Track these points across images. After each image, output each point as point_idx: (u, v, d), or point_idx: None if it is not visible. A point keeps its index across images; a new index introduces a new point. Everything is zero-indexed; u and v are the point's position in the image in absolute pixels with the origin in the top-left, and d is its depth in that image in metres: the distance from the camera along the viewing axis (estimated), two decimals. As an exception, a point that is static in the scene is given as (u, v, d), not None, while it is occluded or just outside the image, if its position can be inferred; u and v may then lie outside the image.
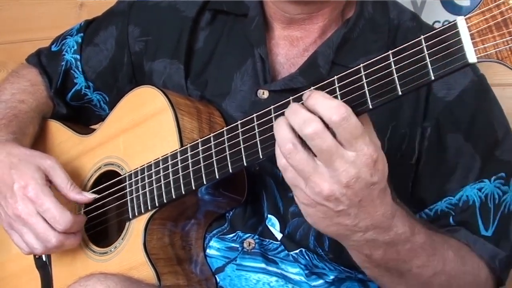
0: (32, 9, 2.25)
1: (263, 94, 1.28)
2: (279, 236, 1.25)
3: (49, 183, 1.28)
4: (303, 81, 1.26)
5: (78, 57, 1.51)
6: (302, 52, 1.30)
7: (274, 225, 1.25)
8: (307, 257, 1.25)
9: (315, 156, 0.93)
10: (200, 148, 1.16)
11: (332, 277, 1.26)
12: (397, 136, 1.24)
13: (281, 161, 0.96)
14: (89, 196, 1.29)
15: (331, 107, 0.91)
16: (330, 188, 0.93)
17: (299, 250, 1.25)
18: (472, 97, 1.26)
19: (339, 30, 1.28)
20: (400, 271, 1.09)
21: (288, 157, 0.94)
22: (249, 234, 1.27)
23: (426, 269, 1.09)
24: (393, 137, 1.23)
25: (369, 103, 0.95)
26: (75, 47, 1.51)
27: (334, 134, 0.92)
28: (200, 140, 1.17)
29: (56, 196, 1.26)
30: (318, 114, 0.92)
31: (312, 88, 1.02)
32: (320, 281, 1.26)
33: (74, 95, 1.53)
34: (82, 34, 1.52)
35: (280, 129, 0.95)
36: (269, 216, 1.26)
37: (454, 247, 1.17)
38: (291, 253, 1.25)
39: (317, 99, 0.93)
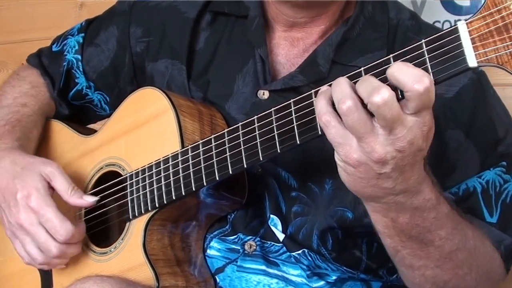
0: (32, 9, 2.25)
1: (263, 94, 1.28)
2: (281, 236, 1.25)
3: (52, 190, 1.28)
4: (303, 79, 1.26)
5: (79, 57, 1.51)
6: (302, 53, 1.31)
7: (276, 225, 1.26)
8: (309, 257, 1.25)
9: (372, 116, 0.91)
10: (201, 149, 1.17)
11: (334, 277, 1.27)
12: None
13: (324, 117, 0.93)
14: (90, 200, 1.28)
15: (415, 75, 0.88)
16: (383, 151, 0.91)
17: (301, 250, 1.25)
18: (470, 96, 1.25)
19: (339, 29, 1.29)
20: (422, 241, 1.07)
21: (346, 114, 0.90)
22: (251, 237, 1.27)
23: (448, 243, 1.08)
24: None
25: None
26: (76, 47, 1.52)
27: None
28: (201, 141, 1.17)
29: (58, 201, 1.26)
30: (398, 81, 0.89)
31: (313, 91, 1.03)
32: (321, 282, 1.26)
33: (75, 95, 1.53)
34: (83, 34, 1.53)
35: (340, 85, 0.92)
36: (272, 216, 1.26)
37: (471, 226, 1.15)
38: (293, 253, 1.25)
39: (398, 65, 0.90)
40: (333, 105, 0.93)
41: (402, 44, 1.27)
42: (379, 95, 0.87)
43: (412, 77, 0.87)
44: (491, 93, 1.31)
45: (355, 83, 0.93)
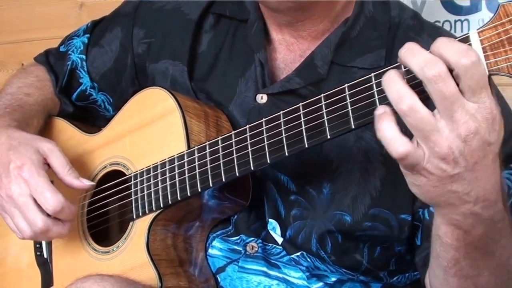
0: (32, 9, 2.25)
1: (262, 98, 1.29)
2: (279, 240, 1.26)
3: (47, 167, 1.27)
4: (300, 81, 1.26)
5: (84, 57, 1.52)
6: (299, 58, 1.31)
7: (275, 229, 1.26)
8: (308, 259, 1.26)
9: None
10: (208, 151, 1.17)
11: (333, 279, 1.27)
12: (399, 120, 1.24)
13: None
14: (86, 182, 1.27)
15: (460, 49, 0.84)
16: (449, 145, 0.86)
17: (300, 253, 1.25)
18: None
19: (337, 29, 1.28)
20: (486, 252, 1.01)
21: (407, 115, 0.86)
22: (253, 238, 1.27)
23: (506, 251, 1.03)
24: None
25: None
26: (81, 48, 1.53)
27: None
28: (207, 142, 1.18)
29: (59, 188, 1.25)
30: (443, 57, 0.85)
31: (322, 95, 1.04)
32: (320, 284, 1.27)
33: (79, 95, 1.54)
34: (88, 35, 1.54)
35: (394, 84, 0.87)
36: (270, 220, 1.26)
37: None
38: (293, 255, 1.25)
39: (444, 41, 0.86)
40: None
41: (403, 43, 1.28)
42: (434, 68, 0.84)
43: (458, 52, 0.84)
44: (496, 93, 1.31)
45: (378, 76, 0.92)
